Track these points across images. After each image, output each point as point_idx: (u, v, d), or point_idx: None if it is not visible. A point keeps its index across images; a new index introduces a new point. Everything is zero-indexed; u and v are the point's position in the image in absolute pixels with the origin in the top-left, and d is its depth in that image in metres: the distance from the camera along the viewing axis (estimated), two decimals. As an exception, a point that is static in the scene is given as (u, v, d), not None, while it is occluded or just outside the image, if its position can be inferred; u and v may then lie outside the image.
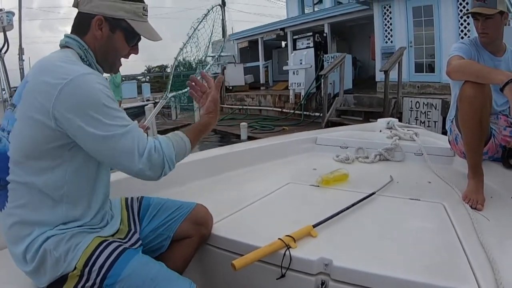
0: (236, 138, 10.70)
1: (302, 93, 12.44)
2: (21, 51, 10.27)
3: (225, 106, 16.67)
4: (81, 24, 1.34)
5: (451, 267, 1.41)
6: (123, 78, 17.37)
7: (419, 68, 11.33)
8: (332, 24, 15.00)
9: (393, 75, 9.33)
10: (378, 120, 3.98)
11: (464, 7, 9.89)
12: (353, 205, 1.91)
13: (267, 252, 1.46)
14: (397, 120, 3.83)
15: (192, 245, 1.65)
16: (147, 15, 1.43)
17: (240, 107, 15.66)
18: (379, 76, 11.21)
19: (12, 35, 9.34)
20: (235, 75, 17.19)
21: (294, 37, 14.92)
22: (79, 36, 1.34)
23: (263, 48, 19.24)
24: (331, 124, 9.58)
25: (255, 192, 2.24)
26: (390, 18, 11.76)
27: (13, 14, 10.25)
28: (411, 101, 8.89)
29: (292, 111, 12.85)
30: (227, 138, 11.53)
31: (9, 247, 1.30)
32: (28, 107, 1.20)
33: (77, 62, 1.27)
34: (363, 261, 1.44)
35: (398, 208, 2.02)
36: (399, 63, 9.52)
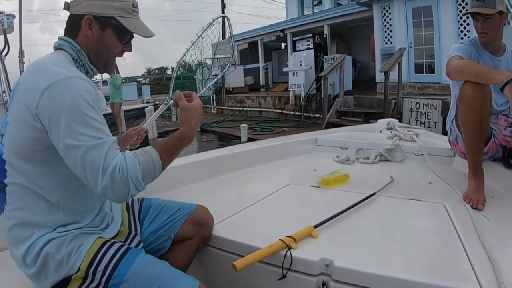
0: (236, 140, 10.70)
1: (302, 95, 12.46)
2: (21, 53, 10.30)
3: (225, 107, 16.71)
4: (73, 26, 1.35)
5: (452, 267, 1.41)
6: (123, 80, 17.35)
7: (419, 68, 11.34)
8: (332, 25, 15.02)
9: (393, 76, 9.34)
10: (378, 120, 3.98)
11: (463, 7, 9.90)
12: (353, 205, 1.91)
13: (268, 253, 1.46)
14: (397, 120, 3.83)
15: (193, 246, 1.65)
16: (137, 12, 1.43)
17: (240, 108, 15.68)
18: (379, 77, 11.22)
19: (13, 37, 9.36)
20: (235, 77, 17.20)
21: (294, 38, 14.93)
22: (72, 37, 1.35)
23: (263, 50, 19.27)
24: (331, 125, 9.58)
25: (255, 193, 2.24)
26: (390, 19, 11.77)
27: (13, 16, 10.26)
28: (411, 102, 8.89)
29: (292, 112, 12.87)
30: (227, 139, 11.54)
31: (10, 250, 1.30)
32: (17, 109, 1.21)
33: (66, 65, 1.26)
34: (364, 262, 1.43)
35: (398, 209, 2.02)
36: (399, 64, 9.53)
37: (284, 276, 1.46)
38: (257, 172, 2.78)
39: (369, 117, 9.53)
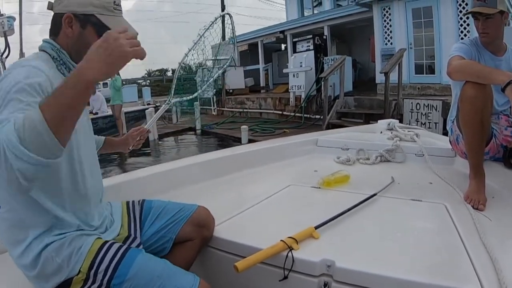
0: (237, 141, 10.70)
1: (303, 96, 12.46)
2: (22, 55, 10.29)
3: (226, 109, 16.71)
4: (55, 25, 1.35)
5: (454, 268, 1.41)
6: (123, 82, 17.37)
7: (419, 69, 11.33)
8: (332, 26, 15.02)
9: (393, 76, 9.34)
10: (379, 121, 3.97)
11: (463, 8, 9.90)
12: (354, 206, 1.91)
13: (269, 254, 1.46)
14: (397, 121, 3.82)
15: (194, 247, 1.65)
16: (119, 10, 1.41)
17: (241, 110, 15.68)
18: (379, 78, 11.22)
19: (13, 39, 9.36)
20: (235, 78, 17.21)
21: (294, 39, 14.93)
22: (54, 37, 1.35)
23: (263, 51, 19.27)
24: (331, 126, 9.58)
25: (256, 194, 2.24)
26: (390, 20, 11.77)
27: (14, 19, 10.26)
28: (412, 103, 8.89)
29: (292, 113, 12.86)
30: (227, 141, 11.55)
31: (9, 252, 1.31)
32: None
33: (33, 61, 1.22)
34: (366, 262, 1.43)
35: (399, 209, 2.02)
36: (399, 64, 9.52)
37: (285, 277, 1.46)
38: (258, 173, 2.78)
39: (369, 118, 9.53)
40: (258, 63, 19.46)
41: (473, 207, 1.95)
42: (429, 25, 10.84)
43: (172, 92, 2.37)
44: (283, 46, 20.18)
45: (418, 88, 11.11)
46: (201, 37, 2.51)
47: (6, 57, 9.34)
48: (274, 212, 2.05)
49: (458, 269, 1.40)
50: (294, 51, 14.27)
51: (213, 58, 14.12)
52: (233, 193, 2.40)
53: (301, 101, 12.46)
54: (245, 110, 15.51)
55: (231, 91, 17.33)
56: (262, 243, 1.52)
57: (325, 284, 1.44)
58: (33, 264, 1.23)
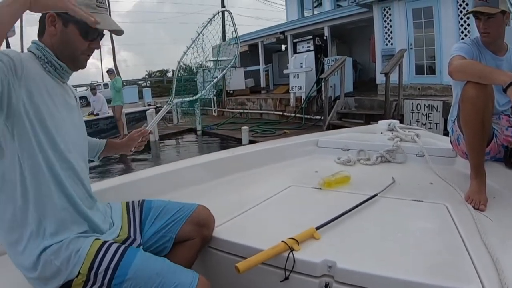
0: (237, 142, 10.70)
1: (303, 97, 12.46)
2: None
3: (226, 110, 16.72)
4: (40, 25, 1.37)
5: (455, 268, 1.40)
6: (124, 83, 17.38)
7: (419, 70, 11.34)
8: (332, 27, 15.03)
9: (393, 77, 9.34)
10: (379, 122, 3.97)
11: (464, 8, 9.91)
12: (355, 207, 1.91)
13: (270, 254, 1.45)
14: (398, 121, 3.82)
15: (194, 247, 1.65)
16: (103, 7, 1.42)
17: (241, 111, 15.69)
18: (380, 79, 11.24)
19: (14, 41, 9.38)
20: (236, 79, 17.22)
21: (294, 40, 14.95)
22: (40, 37, 1.37)
23: (263, 52, 19.29)
24: (332, 127, 9.59)
25: (257, 195, 2.24)
26: (390, 21, 11.78)
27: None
28: (412, 103, 8.88)
29: (293, 114, 12.87)
30: (228, 142, 11.56)
31: (8, 254, 1.31)
32: None
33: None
34: (367, 263, 1.43)
35: (400, 210, 2.02)
36: (399, 65, 9.53)
37: (286, 278, 1.46)
38: (258, 174, 2.78)
39: (370, 119, 9.53)
40: (259, 64, 19.49)
41: (474, 207, 1.95)
42: (429, 25, 10.85)
43: (173, 93, 2.36)
44: (283, 46, 20.21)
45: (419, 89, 11.12)
46: (199, 34, 2.48)
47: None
48: (275, 213, 2.05)
49: (459, 269, 1.39)
50: (295, 52, 14.29)
51: (214, 59, 14.17)
52: (234, 194, 2.40)
53: (302, 102, 12.46)
54: (245, 111, 15.52)
55: (231, 92, 17.34)
56: (263, 244, 1.52)
57: (326, 285, 1.44)
58: (32, 267, 1.23)
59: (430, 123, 8.48)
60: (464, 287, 1.28)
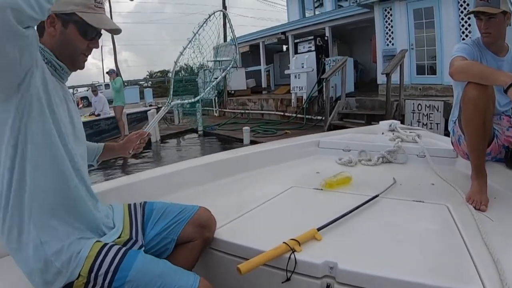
0: (238, 143, 10.70)
1: (304, 97, 12.47)
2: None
3: (227, 110, 16.72)
4: (40, 27, 1.36)
5: (456, 269, 1.41)
6: (125, 84, 17.39)
7: (420, 70, 11.33)
8: (333, 27, 15.03)
9: (394, 77, 9.34)
10: (380, 122, 3.97)
11: (465, 8, 9.90)
12: (357, 208, 1.92)
13: (272, 256, 1.46)
14: (399, 122, 3.83)
15: (196, 248, 1.66)
16: (101, 7, 1.44)
17: (242, 111, 15.69)
18: (381, 79, 11.24)
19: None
20: (237, 80, 17.23)
21: (296, 40, 14.95)
22: (39, 38, 1.36)
23: (265, 52, 19.30)
24: (333, 127, 9.59)
25: (258, 196, 2.24)
26: (391, 21, 11.77)
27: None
28: (413, 103, 8.87)
29: (294, 114, 12.87)
30: (229, 142, 11.55)
31: (10, 254, 1.31)
32: None
33: None
34: (368, 264, 1.43)
35: (401, 210, 2.02)
36: (400, 65, 9.52)
37: (288, 279, 1.46)
38: (260, 175, 2.78)
39: (371, 119, 9.53)
40: (260, 64, 19.49)
41: (475, 208, 1.95)
42: (430, 25, 10.84)
43: (171, 94, 2.36)
44: (284, 47, 20.22)
45: (420, 89, 11.11)
46: (195, 35, 2.48)
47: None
48: (277, 214, 2.05)
49: (460, 270, 1.39)
50: (296, 52, 14.29)
51: (213, 59, 14.17)
52: (235, 195, 2.41)
53: (303, 102, 12.47)
54: (246, 111, 15.53)
55: (232, 92, 17.35)
56: (265, 245, 1.52)
57: (328, 286, 1.44)
58: (33, 268, 1.24)
59: (431, 123, 8.47)
60: (465, 287, 1.28)
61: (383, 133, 3.62)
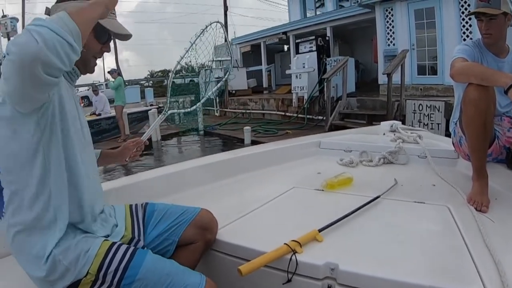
0: (239, 142, 10.71)
1: (305, 97, 12.46)
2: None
3: (228, 110, 16.73)
4: None
5: (457, 270, 1.41)
6: (126, 83, 17.39)
7: (421, 70, 11.32)
8: (335, 27, 15.01)
9: (395, 77, 9.33)
10: (382, 123, 3.97)
11: (466, 8, 9.88)
12: (358, 209, 1.92)
13: (273, 257, 1.46)
14: (400, 123, 3.83)
15: (197, 250, 1.66)
16: (114, 13, 1.48)
17: (243, 111, 15.70)
18: (382, 79, 11.23)
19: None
20: (238, 80, 17.23)
21: (297, 40, 14.93)
22: None
23: (266, 52, 19.30)
24: (334, 127, 9.60)
25: (259, 197, 2.25)
26: (392, 21, 11.75)
27: (17, 20, 10.35)
28: (414, 104, 8.87)
29: (295, 114, 12.87)
30: (230, 142, 11.56)
31: (16, 256, 1.32)
32: None
33: None
34: (369, 265, 1.44)
35: (403, 212, 2.02)
36: (401, 65, 9.52)
37: (289, 280, 1.47)
38: (261, 176, 2.78)
39: (372, 119, 9.54)
40: (261, 64, 19.48)
41: (476, 209, 1.95)
42: (431, 26, 10.83)
43: (168, 103, 2.37)
44: (285, 47, 20.20)
45: (421, 89, 11.10)
46: (192, 45, 2.50)
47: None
48: (278, 215, 2.05)
49: (462, 271, 1.39)
50: (297, 52, 14.28)
51: (214, 59, 14.16)
52: (237, 196, 2.41)
53: (304, 102, 12.46)
54: (247, 111, 15.53)
55: (233, 92, 17.36)
56: (266, 246, 1.52)
57: (329, 287, 1.45)
58: (40, 268, 1.24)
59: (432, 123, 8.47)
60: (466, 289, 1.29)
61: (384, 134, 3.62)
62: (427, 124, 8.50)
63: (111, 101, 12.55)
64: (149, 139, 2.28)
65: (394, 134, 3.42)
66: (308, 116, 12.20)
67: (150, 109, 13.53)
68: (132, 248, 1.35)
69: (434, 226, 1.87)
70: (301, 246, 1.53)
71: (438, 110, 8.34)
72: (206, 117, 15.49)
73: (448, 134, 3.02)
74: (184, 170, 2.55)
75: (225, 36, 2.61)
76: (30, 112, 1.19)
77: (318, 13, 18.04)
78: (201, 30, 2.49)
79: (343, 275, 1.43)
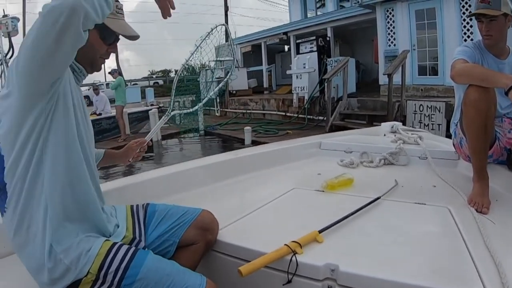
0: (240, 143, 10.72)
1: (306, 97, 12.47)
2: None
3: (229, 110, 16.73)
4: None
5: (457, 271, 1.41)
6: (126, 84, 17.38)
7: (422, 71, 11.31)
8: (335, 27, 15.01)
9: (396, 78, 9.34)
10: (382, 124, 3.97)
11: (466, 9, 9.87)
12: (358, 210, 1.92)
13: (273, 258, 1.46)
14: (401, 123, 3.83)
15: (198, 251, 1.66)
16: (122, 14, 1.48)
17: (244, 111, 15.71)
18: (383, 80, 11.22)
19: (17, 40, 9.41)
20: (239, 80, 17.23)
21: (297, 41, 14.93)
22: None
23: (266, 52, 19.29)
24: (335, 127, 9.60)
25: (260, 198, 2.25)
26: (393, 22, 11.75)
27: (18, 19, 10.35)
28: (415, 104, 8.87)
29: (295, 115, 12.89)
30: (231, 142, 11.57)
31: (17, 254, 1.32)
32: None
33: None
34: (369, 266, 1.44)
35: (403, 213, 2.02)
36: (402, 66, 9.52)
37: (289, 281, 1.47)
38: (261, 177, 2.78)
39: (372, 120, 9.54)
40: (261, 64, 19.48)
41: (476, 210, 1.95)
42: (432, 26, 10.82)
43: (171, 105, 2.37)
44: (286, 47, 20.20)
45: (421, 90, 11.10)
46: (197, 47, 2.50)
47: (10, 57, 9.41)
48: (278, 216, 2.05)
49: (462, 273, 1.40)
50: (298, 52, 14.28)
51: (215, 59, 14.16)
52: (237, 197, 2.41)
53: (304, 103, 12.47)
54: (248, 111, 15.54)
55: (234, 92, 17.36)
56: (266, 247, 1.52)
57: (329, 288, 1.45)
58: (41, 266, 1.24)
59: (432, 124, 8.47)
60: (466, 290, 1.29)
61: (385, 135, 3.62)
62: (428, 124, 8.50)
63: (112, 101, 12.56)
64: (150, 140, 2.28)
65: (395, 135, 3.42)
66: (308, 117, 12.21)
67: (151, 109, 13.52)
68: (133, 248, 1.35)
69: (434, 227, 1.87)
70: (301, 247, 1.53)
71: (439, 111, 8.34)
72: (207, 117, 15.49)
73: (448, 135, 3.02)
74: (184, 170, 2.55)
75: (229, 40, 2.61)
76: (36, 102, 1.19)
77: (318, 13, 18.04)
78: (207, 33, 2.50)
79: (343, 276, 1.43)
